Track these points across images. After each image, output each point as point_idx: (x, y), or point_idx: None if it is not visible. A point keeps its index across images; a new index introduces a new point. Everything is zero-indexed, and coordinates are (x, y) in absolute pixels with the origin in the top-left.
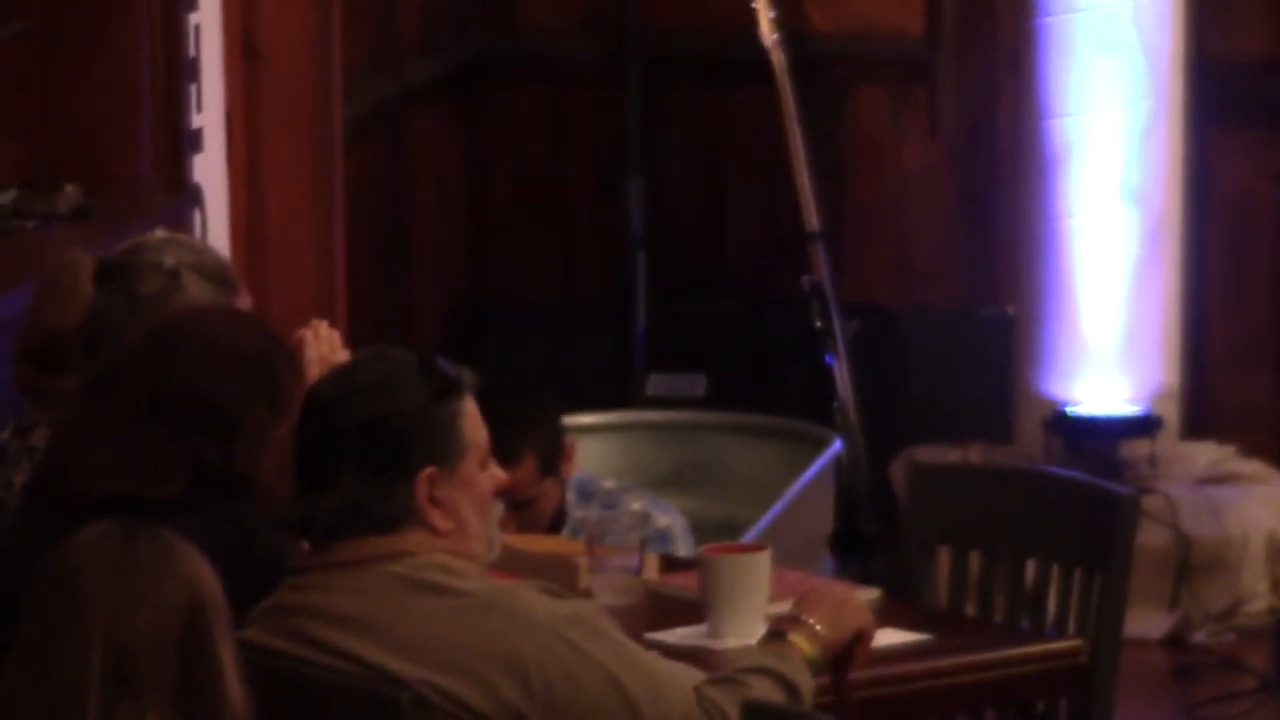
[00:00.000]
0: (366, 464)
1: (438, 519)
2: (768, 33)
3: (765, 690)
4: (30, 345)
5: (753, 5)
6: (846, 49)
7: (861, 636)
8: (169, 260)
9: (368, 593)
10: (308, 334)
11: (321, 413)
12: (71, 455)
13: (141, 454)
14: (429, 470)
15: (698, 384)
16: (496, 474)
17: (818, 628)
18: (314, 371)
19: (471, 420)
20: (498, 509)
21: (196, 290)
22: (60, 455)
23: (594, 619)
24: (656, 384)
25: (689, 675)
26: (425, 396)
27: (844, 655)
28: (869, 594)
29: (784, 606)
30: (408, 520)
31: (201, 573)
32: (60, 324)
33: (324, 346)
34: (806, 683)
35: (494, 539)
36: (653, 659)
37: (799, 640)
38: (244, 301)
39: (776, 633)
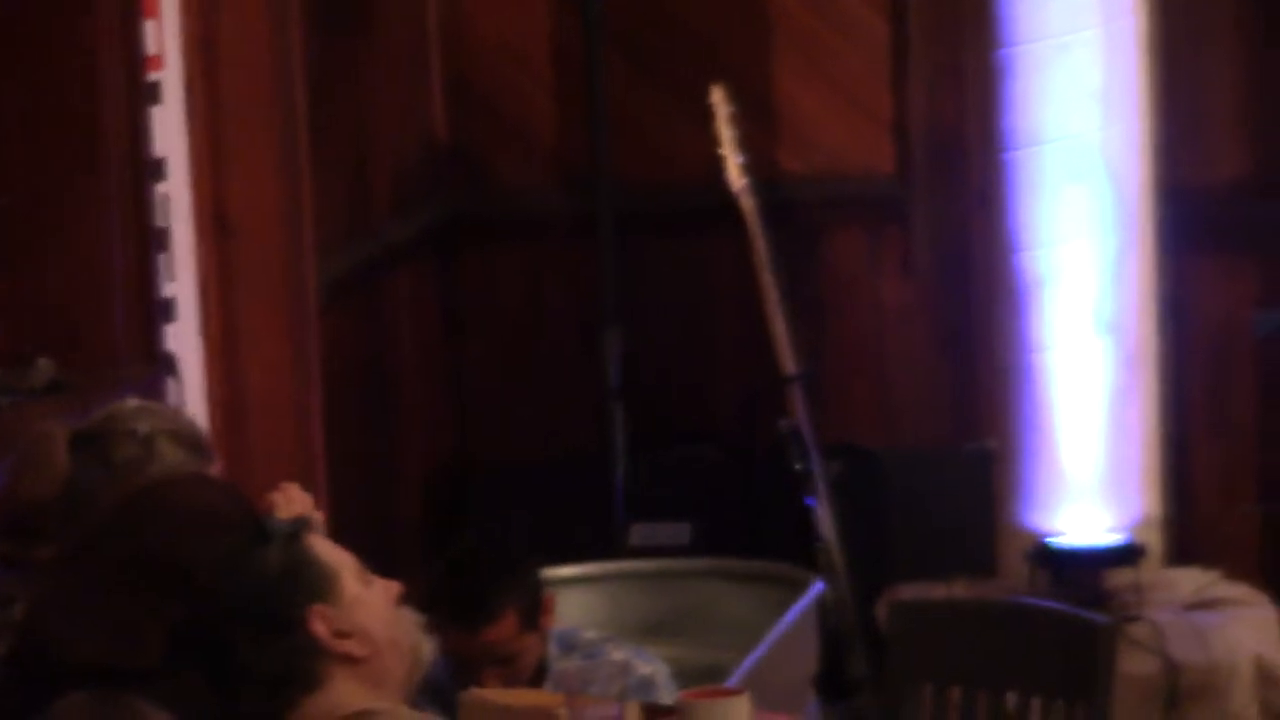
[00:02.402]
0: (257, 640)
1: (351, 646)
2: (736, 178)
3: None
4: (8, 519)
5: (720, 152)
6: (818, 190)
7: None
8: (143, 427)
9: None
10: (279, 498)
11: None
12: (47, 625)
13: (116, 623)
14: (315, 608)
15: (681, 533)
16: (386, 583)
17: None
18: None
19: (324, 547)
20: (407, 615)
21: (172, 456)
22: (35, 625)
23: None
24: (640, 534)
25: None
26: (272, 555)
27: None
28: None
29: None
30: (326, 663)
31: None
32: (37, 495)
33: (295, 509)
34: None
35: (418, 644)
36: None
37: None
38: (215, 468)
39: None
